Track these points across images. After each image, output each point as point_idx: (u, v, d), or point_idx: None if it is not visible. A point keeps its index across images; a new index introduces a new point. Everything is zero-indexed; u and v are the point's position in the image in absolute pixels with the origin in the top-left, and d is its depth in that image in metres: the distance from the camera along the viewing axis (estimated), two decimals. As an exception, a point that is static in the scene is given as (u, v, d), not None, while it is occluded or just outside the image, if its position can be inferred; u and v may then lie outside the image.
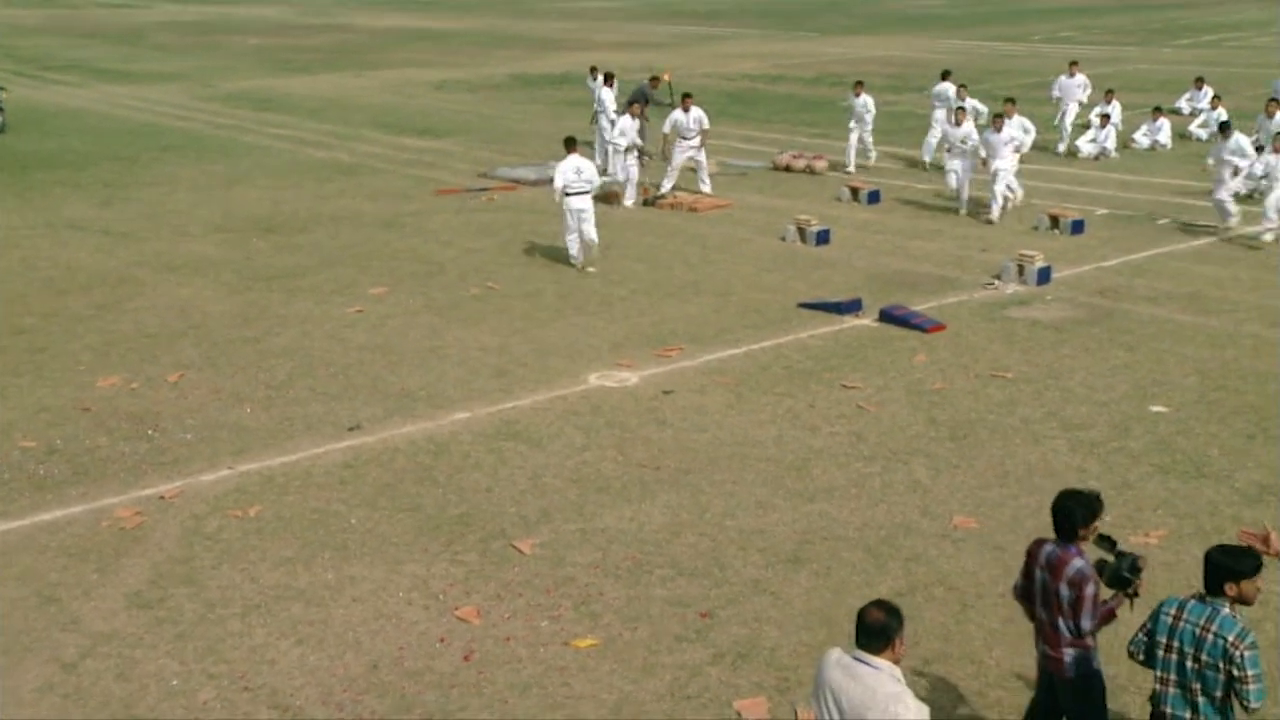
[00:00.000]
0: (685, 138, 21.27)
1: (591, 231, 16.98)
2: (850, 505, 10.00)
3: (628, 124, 21.05)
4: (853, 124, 23.64)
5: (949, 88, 24.57)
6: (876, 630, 5.15)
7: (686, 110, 21.34)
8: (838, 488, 10.32)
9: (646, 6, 66.29)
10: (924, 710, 5.07)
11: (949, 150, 20.54)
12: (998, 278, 16.20)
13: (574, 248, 17.07)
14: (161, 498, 10.18)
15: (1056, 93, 26.09)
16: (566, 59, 42.60)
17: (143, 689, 7.70)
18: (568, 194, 16.87)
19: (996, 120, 19.74)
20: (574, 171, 16.93)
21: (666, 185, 21.38)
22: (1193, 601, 5.68)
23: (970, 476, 10.52)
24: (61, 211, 20.58)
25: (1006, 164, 19.55)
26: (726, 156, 24.66)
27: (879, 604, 5.25)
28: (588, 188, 17.02)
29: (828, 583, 8.82)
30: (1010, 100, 20.86)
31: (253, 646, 8.09)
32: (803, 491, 10.25)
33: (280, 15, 61.56)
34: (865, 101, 23.41)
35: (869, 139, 23.95)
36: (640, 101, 23.91)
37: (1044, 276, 16.09)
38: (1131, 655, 5.97)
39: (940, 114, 23.82)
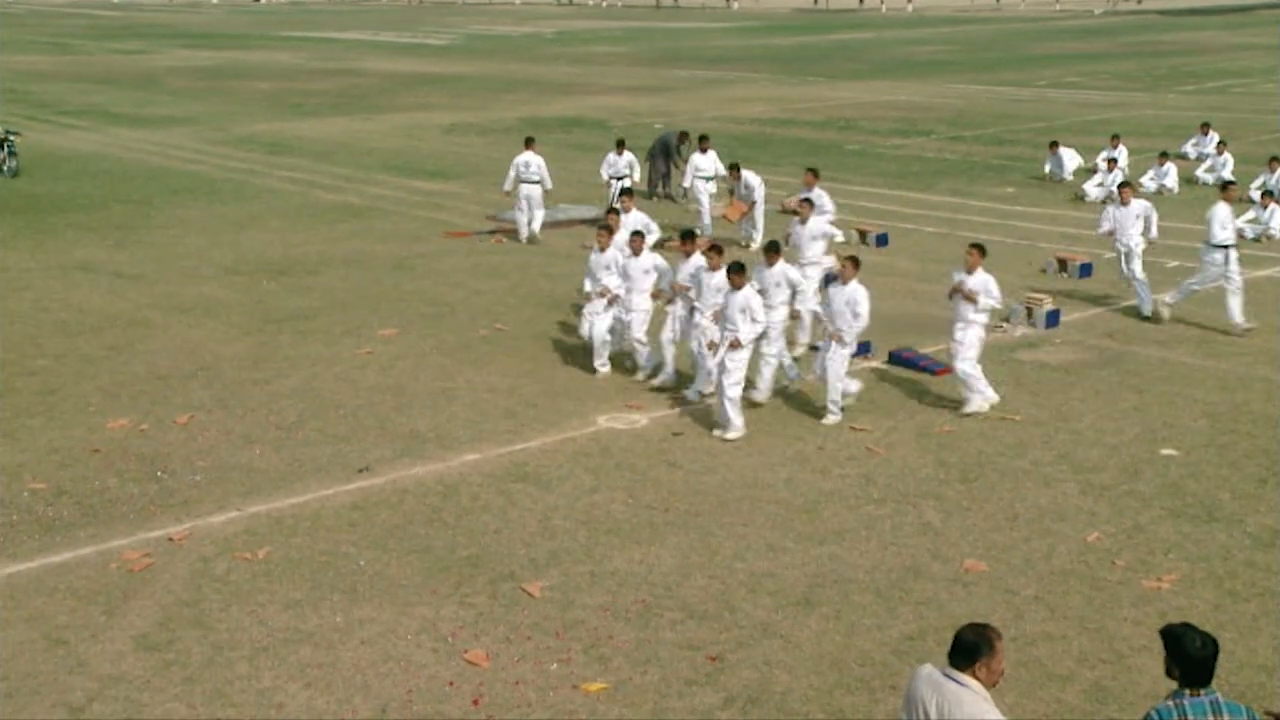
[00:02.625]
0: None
1: (538, 222, 21.43)
2: (861, 548, 9.96)
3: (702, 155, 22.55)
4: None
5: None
6: (966, 648, 5.33)
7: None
8: (848, 530, 10.28)
9: (654, 52, 66.77)
10: None
11: None
12: (1006, 320, 16.19)
13: (523, 230, 21.37)
14: (170, 539, 10.16)
15: (1106, 225, 17.24)
16: (575, 103, 42.88)
17: (150, 732, 7.66)
18: (521, 181, 21.41)
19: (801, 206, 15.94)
20: (524, 165, 21.45)
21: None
22: (1188, 701, 5.22)
23: (980, 519, 10.48)
24: (73, 254, 20.69)
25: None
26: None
27: (974, 625, 5.44)
28: (536, 177, 21.40)
29: (838, 626, 8.76)
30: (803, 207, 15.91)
31: (261, 689, 8.05)
32: (813, 534, 10.21)
33: (292, 60, 62.08)
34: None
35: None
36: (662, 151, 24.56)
37: (1053, 319, 16.10)
38: None
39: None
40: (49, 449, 12.12)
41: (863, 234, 21.24)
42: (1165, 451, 11.92)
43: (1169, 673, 5.31)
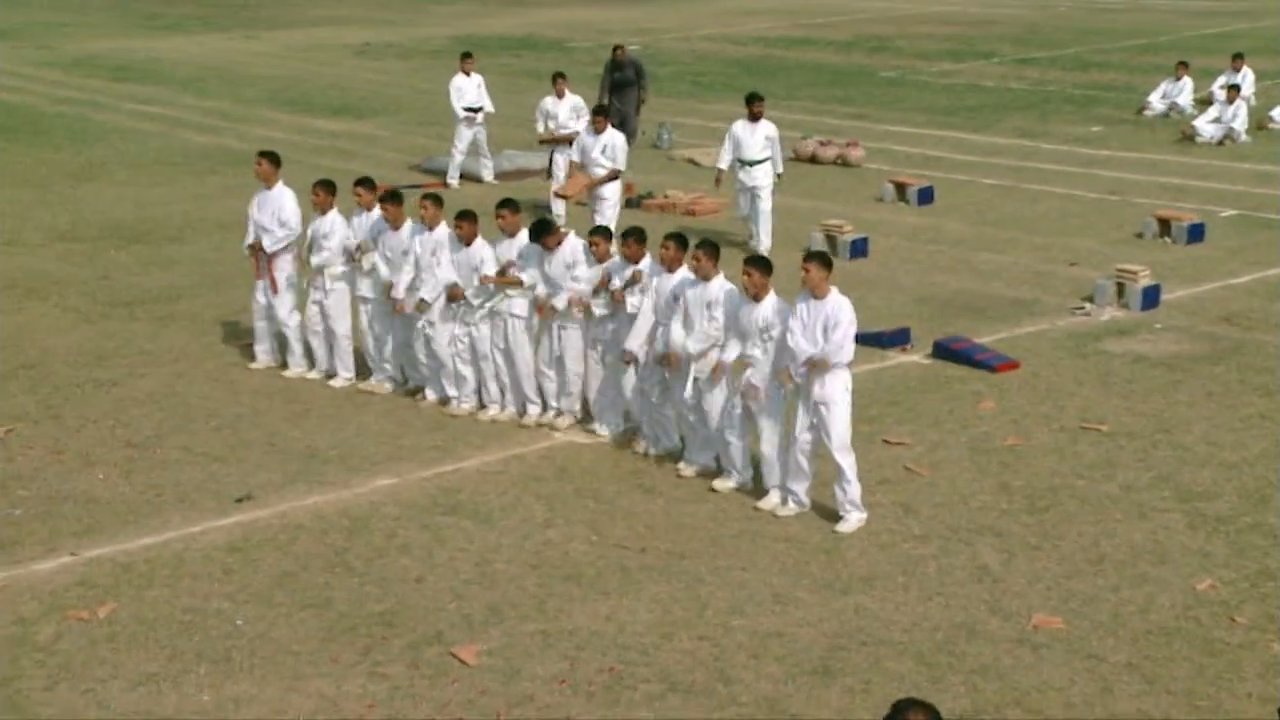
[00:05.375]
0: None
1: (489, 170, 23.52)
2: (896, 599, 9.95)
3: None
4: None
5: None
6: None
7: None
8: (880, 576, 10.27)
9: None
10: None
11: None
12: (1090, 300, 16.24)
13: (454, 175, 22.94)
14: (-17, 593, 10.10)
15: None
16: (528, 18, 42.89)
17: None
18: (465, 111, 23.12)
19: None
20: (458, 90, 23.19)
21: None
22: None
23: (1054, 562, 10.48)
24: None
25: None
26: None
27: (918, 704, 5.30)
28: (477, 105, 23.14)
29: (867, 702, 8.76)
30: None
31: (102, 791, 8.00)
32: (834, 582, 10.20)
33: (151, -41, 61.90)
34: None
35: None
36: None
37: (1151, 298, 16.14)
38: None
39: None
40: None
41: (900, 188, 21.26)
42: (1298, 472, 11.98)
43: None
